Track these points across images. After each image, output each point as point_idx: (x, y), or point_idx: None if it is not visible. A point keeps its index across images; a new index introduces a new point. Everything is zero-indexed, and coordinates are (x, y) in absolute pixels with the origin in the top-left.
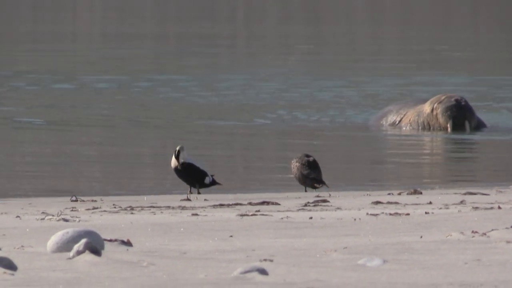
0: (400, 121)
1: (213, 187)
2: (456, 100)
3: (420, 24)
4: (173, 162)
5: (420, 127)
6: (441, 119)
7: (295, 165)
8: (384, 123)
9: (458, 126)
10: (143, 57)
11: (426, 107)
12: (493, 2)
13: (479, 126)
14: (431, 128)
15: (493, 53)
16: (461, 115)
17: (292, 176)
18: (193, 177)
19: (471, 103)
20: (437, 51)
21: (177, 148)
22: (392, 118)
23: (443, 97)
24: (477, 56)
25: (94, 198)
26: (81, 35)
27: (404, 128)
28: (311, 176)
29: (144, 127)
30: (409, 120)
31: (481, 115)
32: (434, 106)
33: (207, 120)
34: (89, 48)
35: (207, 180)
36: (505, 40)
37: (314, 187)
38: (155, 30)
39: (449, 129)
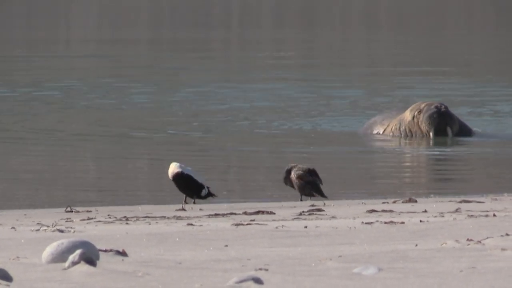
0: (384, 131)
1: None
2: (436, 107)
3: (415, 29)
4: (171, 171)
5: (402, 135)
6: (422, 127)
7: (295, 173)
8: (369, 133)
9: (440, 132)
10: (130, 62)
11: (407, 115)
12: (488, 5)
13: (466, 132)
14: (413, 135)
15: (489, 56)
16: (442, 122)
17: (288, 185)
18: (191, 189)
19: (462, 109)
20: (433, 55)
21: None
22: (376, 129)
23: (423, 105)
24: (471, 60)
25: (89, 208)
26: (74, 41)
27: (387, 137)
28: (317, 183)
29: (132, 138)
30: (391, 129)
31: (470, 121)
32: (415, 114)
33: (198, 129)
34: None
35: (203, 192)
36: (499, 45)
37: (313, 195)
38: (147, 35)
39: (431, 136)
